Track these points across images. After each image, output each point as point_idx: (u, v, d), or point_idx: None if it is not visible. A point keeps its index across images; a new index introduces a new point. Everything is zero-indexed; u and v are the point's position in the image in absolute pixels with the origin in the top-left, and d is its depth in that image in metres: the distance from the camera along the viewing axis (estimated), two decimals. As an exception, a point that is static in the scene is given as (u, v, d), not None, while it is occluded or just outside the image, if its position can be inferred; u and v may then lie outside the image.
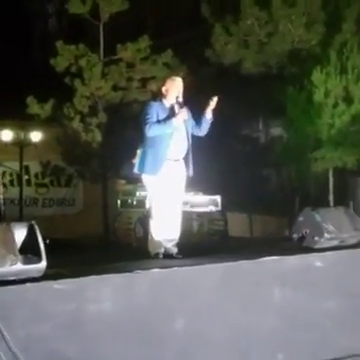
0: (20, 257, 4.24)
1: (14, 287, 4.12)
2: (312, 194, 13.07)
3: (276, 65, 11.28)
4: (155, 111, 5.96)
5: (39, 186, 14.51)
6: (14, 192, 13.84)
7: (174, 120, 5.87)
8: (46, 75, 12.93)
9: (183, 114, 5.89)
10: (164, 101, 6.03)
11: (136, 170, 6.08)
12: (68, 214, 14.36)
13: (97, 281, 4.49)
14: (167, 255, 5.89)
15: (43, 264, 4.35)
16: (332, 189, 11.57)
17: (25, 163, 13.69)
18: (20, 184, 13.30)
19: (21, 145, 12.85)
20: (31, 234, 4.41)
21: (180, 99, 5.95)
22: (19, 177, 13.61)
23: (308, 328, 5.51)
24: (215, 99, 5.93)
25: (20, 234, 4.37)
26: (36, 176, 14.42)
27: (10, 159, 13.37)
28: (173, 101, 6.00)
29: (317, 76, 9.84)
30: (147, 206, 7.07)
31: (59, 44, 10.73)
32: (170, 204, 5.92)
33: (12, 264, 4.18)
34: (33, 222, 4.48)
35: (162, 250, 5.92)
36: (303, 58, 10.79)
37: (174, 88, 6.01)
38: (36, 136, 12.85)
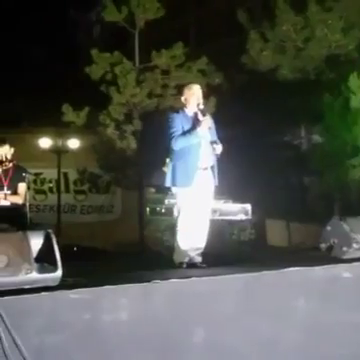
0: (35, 266, 4.22)
1: (29, 296, 4.09)
2: (353, 202, 12.80)
3: (313, 71, 11.12)
4: (179, 122, 5.86)
5: (77, 193, 14.66)
6: (53, 199, 13.99)
7: (199, 129, 5.76)
8: (86, 83, 13.07)
9: (207, 122, 5.79)
10: (186, 110, 5.93)
11: (168, 183, 5.99)
12: (106, 221, 14.44)
13: (114, 291, 4.42)
14: (191, 264, 5.80)
15: (59, 273, 4.30)
16: (372, 197, 11.31)
17: (64, 170, 13.84)
18: (58, 191, 13.45)
19: (59, 152, 13.00)
20: (47, 242, 4.38)
21: (201, 106, 5.86)
22: (58, 184, 13.76)
23: (335, 341, 5.34)
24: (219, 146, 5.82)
25: (36, 242, 4.34)
26: (75, 183, 14.56)
27: (49, 166, 13.53)
28: (195, 109, 5.90)
29: (354, 82, 9.64)
30: (175, 214, 7.02)
31: (94, 52, 10.83)
32: (198, 213, 5.84)
33: (27, 273, 4.16)
34: (50, 230, 4.46)
35: (186, 259, 5.83)
36: (340, 63, 10.60)
37: (192, 96, 5.90)
38: (74, 143, 12.97)
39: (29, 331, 4.04)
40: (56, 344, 4.12)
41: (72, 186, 14.42)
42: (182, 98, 5.98)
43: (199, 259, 5.87)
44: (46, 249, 4.36)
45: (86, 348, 4.20)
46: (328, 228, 5.85)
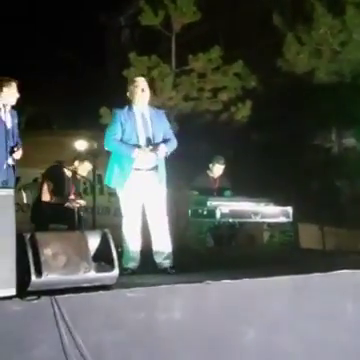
0: (93, 265, 4.33)
1: (87, 294, 4.20)
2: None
3: (350, 74, 11.08)
4: (118, 121, 5.51)
5: (111, 195, 14.73)
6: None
7: (136, 151, 5.44)
8: (120, 86, 13.17)
9: (160, 152, 5.46)
10: (134, 107, 5.58)
11: (106, 181, 5.73)
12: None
13: (168, 290, 4.52)
14: (161, 270, 5.54)
15: (116, 272, 4.42)
16: None
17: (98, 172, 13.92)
18: (93, 193, 13.53)
19: (94, 154, 13.08)
20: (104, 242, 4.49)
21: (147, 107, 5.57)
22: (92, 186, 13.84)
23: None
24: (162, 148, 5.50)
25: (94, 242, 4.46)
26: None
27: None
28: (142, 107, 5.57)
29: (392, 85, 9.61)
30: (217, 216, 7.08)
31: (132, 55, 10.90)
32: (149, 217, 5.57)
33: (85, 272, 4.27)
34: (106, 230, 4.56)
35: (131, 266, 5.57)
36: (377, 67, 10.57)
37: (136, 90, 5.56)
38: (109, 146, 13.08)
39: (87, 329, 4.14)
40: (114, 341, 4.22)
41: (106, 188, 14.52)
42: (128, 94, 5.62)
43: (167, 264, 5.57)
44: (103, 248, 4.46)
45: (143, 345, 4.29)
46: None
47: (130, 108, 5.57)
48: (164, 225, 5.61)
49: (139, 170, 5.49)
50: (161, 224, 5.60)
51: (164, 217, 5.62)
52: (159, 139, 5.57)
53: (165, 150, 5.53)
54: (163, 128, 5.64)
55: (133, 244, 5.62)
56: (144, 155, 5.45)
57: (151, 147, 5.47)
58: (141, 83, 5.63)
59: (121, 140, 5.52)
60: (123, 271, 5.28)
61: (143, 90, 5.58)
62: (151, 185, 5.54)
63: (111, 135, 5.53)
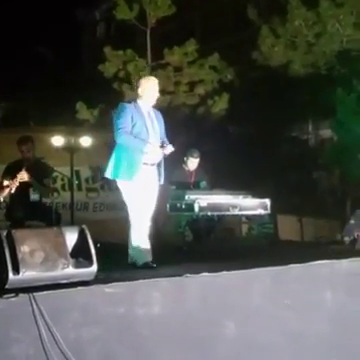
0: (71, 261, 4.29)
1: (66, 290, 4.17)
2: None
3: (325, 66, 11.16)
4: (129, 115, 5.52)
5: (89, 191, 14.66)
6: (65, 197, 14.00)
7: (149, 146, 5.49)
8: (95, 81, 13.11)
9: (167, 150, 5.57)
10: (140, 102, 5.60)
11: (109, 175, 5.63)
12: (119, 218, 14.38)
13: (147, 285, 4.51)
14: (144, 264, 5.49)
15: (94, 268, 4.39)
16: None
17: (76, 168, 13.83)
18: (71, 189, 13.44)
19: (71, 150, 12.99)
20: (82, 238, 4.45)
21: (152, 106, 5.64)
22: (70, 182, 13.76)
23: (361, 333, 5.41)
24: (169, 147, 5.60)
25: (71, 238, 4.42)
26: (86, 181, 14.56)
27: (61, 164, 13.53)
28: (150, 104, 5.64)
29: (367, 76, 9.69)
30: (196, 210, 7.06)
31: (107, 50, 10.85)
32: (144, 210, 5.58)
33: (63, 268, 4.23)
34: (84, 226, 4.53)
35: (147, 259, 5.53)
36: (352, 58, 10.64)
37: (150, 88, 5.59)
38: (86, 141, 12.96)
39: (67, 325, 4.12)
40: (93, 337, 4.20)
41: (84, 184, 14.44)
42: (139, 89, 5.63)
43: (149, 258, 5.58)
44: (81, 244, 4.43)
45: (123, 340, 4.28)
46: (352, 221, 5.92)
47: (137, 104, 5.62)
48: (149, 219, 5.72)
49: (145, 164, 5.56)
50: (149, 218, 5.70)
51: (152, 212, 5.72)
52: (163, 137, 5.74)
53: (171, 149, 5.64)
54: (163, 127, 5.78)
55: (145, 238, 5.59)
56: (154, 151, 5.54)
57: (160, 144, 5.61)
58: (154, 82, 5.74)
59: (131, 134, 5.57)
60: (147, 265, 5.36)
61: (155, 89, 5.69)
62: (152, 180, 5.65)
63: (122, 128, 5.52)
